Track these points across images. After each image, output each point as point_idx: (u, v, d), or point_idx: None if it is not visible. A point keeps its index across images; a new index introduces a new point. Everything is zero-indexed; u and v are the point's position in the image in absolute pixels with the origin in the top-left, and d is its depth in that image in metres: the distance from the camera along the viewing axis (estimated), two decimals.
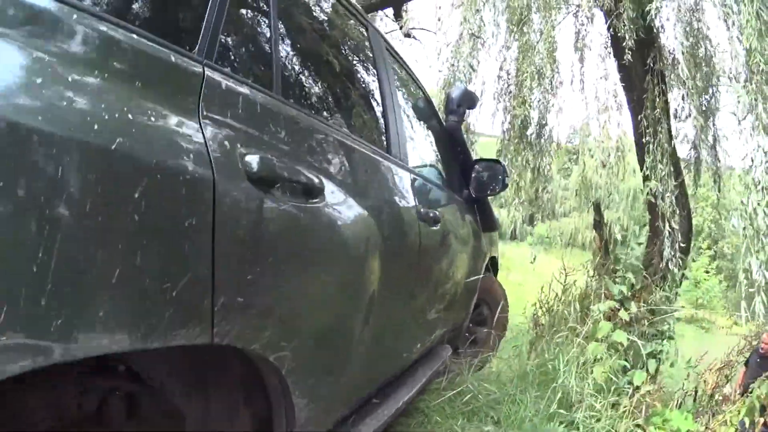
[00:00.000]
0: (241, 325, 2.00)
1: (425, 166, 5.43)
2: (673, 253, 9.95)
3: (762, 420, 6.74)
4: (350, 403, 3.39)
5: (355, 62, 4.01)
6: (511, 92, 12.45)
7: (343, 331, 2.93)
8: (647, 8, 8.92)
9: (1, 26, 1.38)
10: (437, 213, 4.40)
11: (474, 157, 6.57)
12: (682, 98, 10.65)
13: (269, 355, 2.20)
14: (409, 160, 4.29)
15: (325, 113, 3.39)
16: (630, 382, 6.24)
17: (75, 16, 1.57)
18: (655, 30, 9.75)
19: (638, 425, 5.66)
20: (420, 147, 5.46)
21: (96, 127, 1.45)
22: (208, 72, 1.99)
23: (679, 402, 6.93)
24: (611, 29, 9.75)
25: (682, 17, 9.76)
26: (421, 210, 4.04)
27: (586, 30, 11.59)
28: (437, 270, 4.62)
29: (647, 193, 8.84)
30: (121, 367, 2.10)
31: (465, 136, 10.53)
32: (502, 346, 7.34)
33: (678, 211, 10.14)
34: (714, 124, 11.80)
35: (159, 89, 1.78)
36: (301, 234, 2.34)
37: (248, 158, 2.02)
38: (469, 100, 5.88)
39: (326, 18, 3.68)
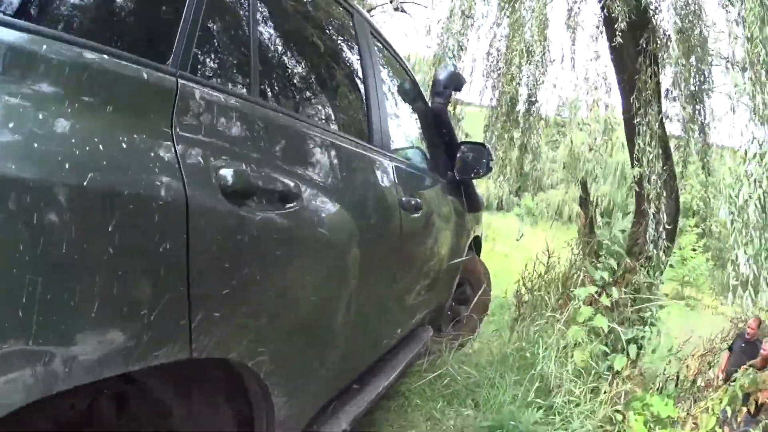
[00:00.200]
0: (219, 337, 2.03)
1: (410, 148, 5.45)
2: (657, 236, 9.97)
3: (745, 409, 6.78)
4: (330, 393, 3.42)
5: (339, 54, 3.98)
6: (500, 69, 12.41)
7: (322, 329, 2.96)
8: None
9: None
10: (419, 200, 4.40)
11: (460, 136, 6.55)
12: (674, 79, 10.60)
13: (247, 362, 2.23)
14: (392, 146, 4.31)
15: (306, 109, 3.39)
16: (610, 368, 6.25)
17: (33, 44, 1.53)
18: (650, 11, 9.71)
19: (618, 411, 5.68)
20: (405, 130, 5.47)
21: (67, 166, 1.45)
22: (182, 83, 1.97)
23: (660, 387, 6.95)
24: (605, 9, 9.68)
25: None
26: (403, 199, 4.04)
27: (578, 8, 11.55)
28: (419, 256, 4.64)
29: (633, 179, 8.83)
30: None
31: (454, 107, 10.53)
32: (483, 327, 7.35)
33: (665, 194, 10.13)
34: (706, 105, 11.77)
35: (131, 112, 1.77)
36: (277, 240, 2.34)
37: (222, 172, 2.03)
38: (455, 82, 5.85)
39: (310, 7, 3.63)
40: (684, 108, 10.85)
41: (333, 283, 2.96)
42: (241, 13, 2.64)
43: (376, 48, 4.31)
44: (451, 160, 5.72)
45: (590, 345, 6.25)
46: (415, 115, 5.65)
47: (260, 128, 2.42)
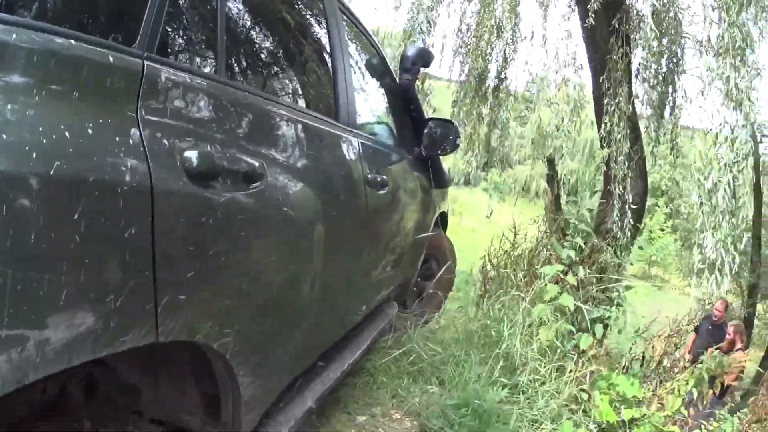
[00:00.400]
0: (184, 320, 2.03)
1: (377, 123, 5.48)
2: (621, 216, 10.03)
3: (711, 391, 6.85)
4: (296, 372, 3.44)
5: (307, 30, 3.95)
6: (470, 45, 12.41)
7: (288, 309, 2.96)
8: None
9: None
10: (385, 177, 4.40)
11: (428, 111, 6.55)
12: (646, 60, 10.64)
13: (213, 344, 2.23)
14: (359, 123, 4.30)
15: (273, 87, 3.39)
16: (576, 347, 6.28)
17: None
18: None
19: (583, 390, 5.71)
20: (372, 106, 5.50)
21: (34, 156, 1.45)
22: (148, 65, 1.94)
23: (625, 367, 7.00)
24: None
25: None
26: (369, 175, 4.05)
27: None
28: (384, 233, 4.65)
29: (603, 159, 8.86)
30: None
31: (422, 81, 10.51)
32: (448, 303, 7.37)
33: (630, 174, 10.19)
34: (677, 87, 11.83)
35: (97, 97, 1.75)
36: (242, 221, 2.34)
37: (187, 154, 2.01)
38: (424, 59, 5.83)
39: None
40: (654, 89, 10.90)
41: (298, 262, 2.96)
42: None
43: (344, 23, 4.28)
44: (419, 136, 5.72)
45: (556, 324, 6.27)
46: (383, 91, 5.63)
47: (226, 108, 2.40)
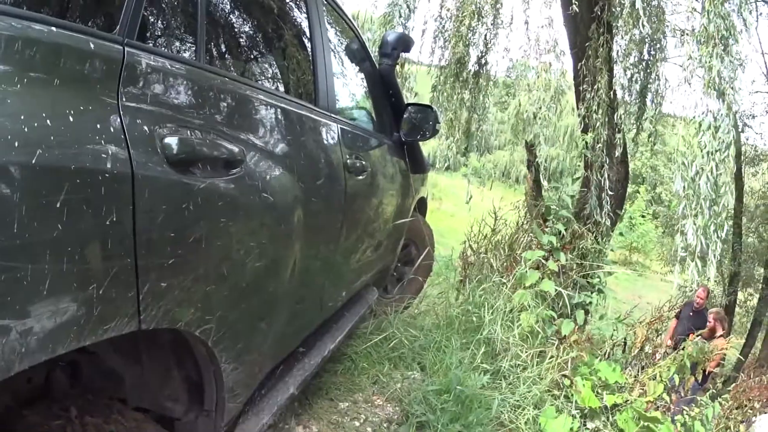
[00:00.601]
0: (166, 308, 2.02)
1: (356, 109, 5.50)
2: (601, 202, 10.05)
3: (692, 377, 6.87)
4: (278, 358, 3.47)
5: (286, 14, 3.93)
6: (450, 30, 12.41)
7: (268, 294, 2.96)
8: None
9: None
10: (364, 162, 4.42)
11: (408, 96, 6.54)
12: (627, 48, 10.67)
13: (195, 330, 2.24)
14: (338, 108, 4.29)
15: (252, 73, 3.40)
16: (557, 332, 6.28)
17: None
18: None
19: (565, 375, 5.72)
20: (352, 91, 5.52)
21: (16, 145, 1.44)
22: (128, 51, 1.94)
23: (607, 353, 7.01)
24: None
25: None
26: (348, 161, 4.06)
27: None
28: (363, 218, 4.65)
29: (585, 145, 8.87)
30: None
31: (402, 66, 10.50)
32: (429, 289, 7.38)
33: (607, 161, 10.22)
34: (659, 75, 11.88)
35: (78, 84, 1.74)
36: (222, 207, 2.33)
37: (167, 140, 2.01)
38: (404, 44, 5.82)
39: None
40: (635, 77, 10.93)
41: (278, 248, 2.96)
42: None
43: (323, 8, 4.26)
44: (398, 121, 5.71)
45: (537, 309, 6.27)
46: (362, 76, 5.62)
47: (206, 94, 2.40)
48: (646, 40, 11.30)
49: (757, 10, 15.74)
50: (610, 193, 10.43)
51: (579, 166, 8.46)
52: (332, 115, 4.05)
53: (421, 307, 6.98)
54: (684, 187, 7.54)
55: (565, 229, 7.10)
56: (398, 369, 5.53)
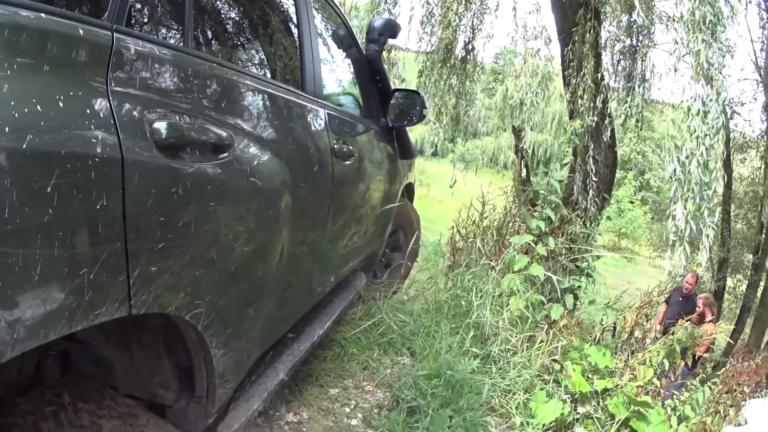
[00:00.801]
0: (156, 292, 2.03)
1: (343, 94, 5.50)
2: (589, 187, 10.06)
3: (682, 362, 6.88)
4: (267, 343, 3.49)
5: (273, 1, 3.98)
6: (437, 16, 12.41)
7: (257, 280, 2.96)
8: None
9: None
10: (351, 147, 4.43)
11: (395, 82, 6.56)
12: (615, 34, 10.68)
13: (185, 315, 2.25)
14: (325, 93, 4.29)
15: (240, 58, 3.44)
16: (546, 317, 6.28)
17: None
18: None
19: (555, 360, 5.72)
20: (338, 76, 5.51)
21: (7, 130, 1.45)
22: (117, 37, 1.94)
23: (597, 338, 7.01)
24: None
25: None
26: (335, 146, 4.08)
27: None
28: (351, 203, 4.65)
29: (571, 132, 8.88)
30: None
31: (389, 52, 10.49)
32: (415, 275, 7.40)
33: (592, 146, 10.23)
34: (647, 61, 11.89)
35: (67, 70, 1.74)
36: (211, 192, 2.34)
37: (156, 125, 2.02)
38: (390, 30, 5.83)
39: None
40: (622, 63, 10.94)
41: (266, 233, 2.96)
42: None
43: None
44: (385, 107, 5.74)
45: (526, 294, 6.27)
46: (349, 62, 5.63)
47: (194, 80, 2.40)
48: (634, 26, 11.32)
49: None
50: (596, 179, 10.45)
51: (567, 152, 8.45)
52: (319, 100, 4.05)
53: (409, 293, 6.99)
54: (675, 170, 7.55)
55: (554, 214, 7.10)
56: (388, 354, 5.53)
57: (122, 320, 1.94)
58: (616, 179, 13.32)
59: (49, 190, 1.52)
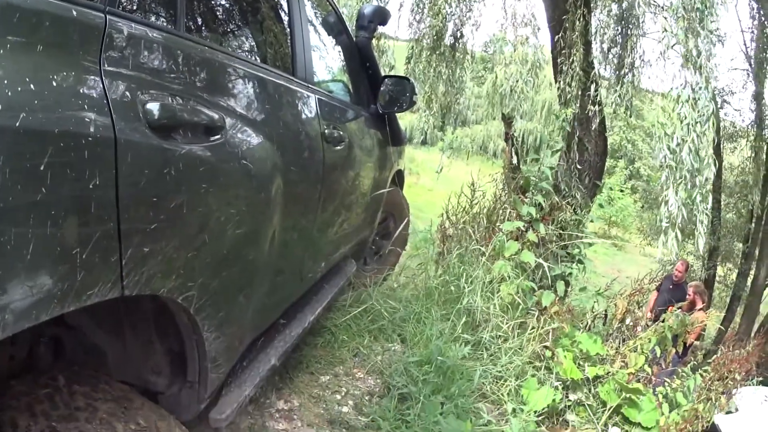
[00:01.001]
0: (149, 273, 2.02)
1: (333, 81, 5.50)
2: (580, 174, 10.08)
3: (674, 350, 6.89)
4: (259, 329, 3.50)
5: None
6: (426, 3, 12.41)
7: (248, 263, 2.96)
8: None
9: None
10: (342, 132, 4.43)
11: (384, 70, 6.56)
12: (605, 22, 10.69)
13: (177, 297, 2.25)
14: (315, 79, 4.29)
15: (232, 43, 3.43)
16: (537, 303, 6.28)
17: None
18: None
19: (546, 347, 5.72)
20: (328, 63, 5.51)
21: (0, 107, 1.42)
22: (110, 19, 1.92)
23: (588, 325, 7.01)
24: None
25: None
26: (326, 131, 4.08)
27: None
28: (342, 188, 4.65)
29: (563, 119, 8.86)
30: None
31: (378, 40, 10.49)
32: (405, 261, 7.41)
33: (578, 133, 10.25)
34: (636, 49, 11.92)
35: (61, 50, 1.73)
36: (203, 173, 2.33)
37: (149, 106, 2.01)
38: (380, 17, 5.85)
39: None
40: (612, 51, 10.95)
41: (258, 216, 2.96)
42: None
43: None
44: (375, 93, 5.75)
45: (517, 280, 6.27)
46: (339, 49, 5.64)
47: (186, 62, 2.40)
48: (624, 14, 11.33)
49: None
50: (587, 166, 10.47)
51: (558, 139, 8.44)
52: (310, 86, 4.05)
53: (400, 279, 7.00)
54: (665, 157, 7.55)
55: (545, 201, 7.09)
56: (378, 341, 5.54)
57: (114, 306, 1.99)
58: (606, 167, 13.35)
59: (42, 168, 1.51)
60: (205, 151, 2.34)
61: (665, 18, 8.21)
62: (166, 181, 2.07)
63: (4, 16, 1.53)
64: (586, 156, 10.82)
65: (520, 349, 5.69)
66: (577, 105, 10.03)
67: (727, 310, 20.89)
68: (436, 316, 5.81)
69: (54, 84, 1.62)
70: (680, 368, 7.30)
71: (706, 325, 9.92)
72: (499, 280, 6.33)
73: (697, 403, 5.73)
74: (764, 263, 19.01)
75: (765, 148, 20.21)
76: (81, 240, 1.68)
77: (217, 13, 3.33)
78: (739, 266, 21.73)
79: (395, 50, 13.01)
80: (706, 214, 7.73)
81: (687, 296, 11.57)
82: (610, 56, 12.15)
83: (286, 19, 3.98)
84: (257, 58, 3.60)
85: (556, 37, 10.52)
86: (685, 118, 7.48)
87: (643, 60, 12.45)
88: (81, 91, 1.73)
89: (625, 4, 10.68)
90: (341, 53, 5.64)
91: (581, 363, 5.60)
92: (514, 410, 5.00)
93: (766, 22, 17.93)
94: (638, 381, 5.70)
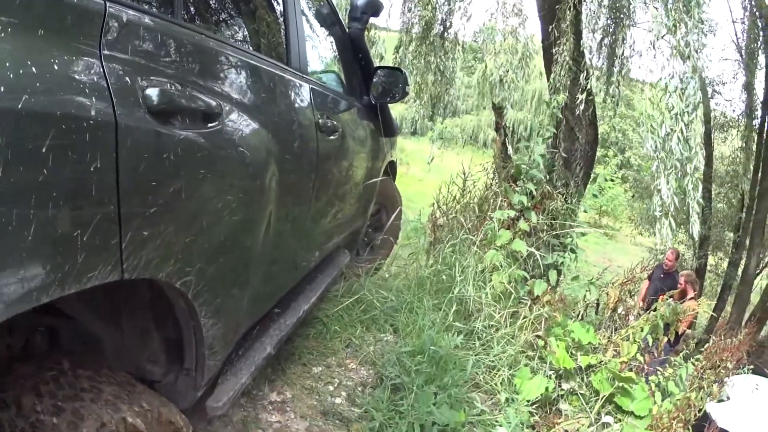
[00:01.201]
0: (148, 257, 2.04)
1: (326, 72, 5.54)
2: (568, 163, 10.09)
3: (665, 338, 6.90)
4: (254, 317, 3.52)
5: None
6: None
7: (244, 250, 2.98)
8: None
9: None
10: (336, 122, 4.44)
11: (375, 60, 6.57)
12: (596, 11, 10.68)
13: (175, 282, 2.26)
14: (309, 70, 4.31)
15: (228, 31, 3.46)
16: (530, 293, 6.28)
17: None
18: None
19: (539, 336, 5.72)
20: (322, 54, 5.57)
21: (2, 89, 1.42)
22: (110, 5, 1.92)
23: (580, 314, 7.02)
24: None
25: None
26: (320, 120, 4.09)
27: None
28: (335, 178, 4.66)
29: (553, 106, 8.85)
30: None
31: (368, 31, 10.48)
32: (396, 251, 7.44)
33: (575, 123, 10.25)
34: (626, 39, 11.93)
35: (62, 34, 1.74)
36: (200, 160, 2.34)
37: (148, 92, 2.02)
38: (373, 8, 5.86)
39: None
40: (602, 40, 10.96)
41: (254, 204, 2.98)
42: None
43: None
44: (367, 84, 5.77)
45: (509, 269, 6.27)
46: (333, 40, 5.65)
47: (185, 50, 2.41)
48: (615, 4, 11.34)
49: None
50: (583, 155, 10.50)
51: (548, 127, 8.42)
52: (304, 76, 4.08)
53: (391, 269, 7.02)
54: (656, 147, 7.56)
55: (536, 189, 7.09)
56: (371, 331, 5.55)
57: (111, 295, 2.03)
58: (597, 157, 13.39)
59: (44, 150, 1.51)
60: (203, 137, 2.35)
61: (656, 8, 8.21)
62: (165, 166, 2.08)
63: (5, 2, 1.53)
64: (577, 145, 10.83)
65: (512, 338, 5.70)
66: (566, 94, 10.02)
67: (718, 299, 20.95)
68: (428, 305, 5.82)
69: (55, 67, 1.63)
70: (672, 357, 7.32)
71: (697, 313, 9.93)
72: (491, 270, 6.33)
73: (690, 391, 5.74)
74: (755, 252, 19.09)
75: (755, 138, 20.28)
76: (82, 222, 1.69)
77: (215, 3, 3.37)
78: (729, 255, 21.83)
79: (386, 41, 13.01)
80: (698, 202, 7.75)
81: (678, 285, 11.62)
82: (600, 46, 12.18)
83: (280, 9, 4.00)
84: (252, 48, 3.61)
85: (550, 27, 10.51)
86: (673, 108, 7.48)
87: (633, 50, 12.49)
88: (82, 75, 1.74)
89: None
90: (334, 44, 5.65)
91: (574, 352, 5.61)
92: (507, 400, 5.01)
93: (757, 13, 17.98)
94: (631, 370, 5.71)
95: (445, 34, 12.67)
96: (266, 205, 3.10)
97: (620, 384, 5.25)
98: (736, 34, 20.29)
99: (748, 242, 19.68)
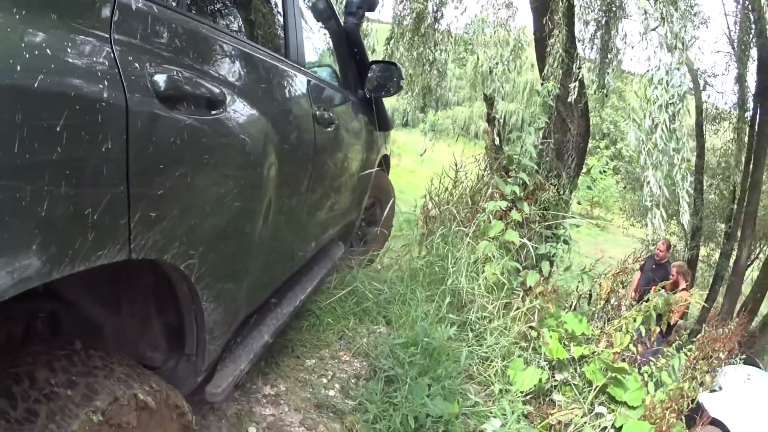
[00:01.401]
0: (155, 238, 2.08)
1: (322, 66, 5.59)
2: (564, 154, 10.09)
3: (658, 329, 6.91)
4: (253, 304, 3.57)
5: None
6: None
7: (245, 236, 3.03)
8: None
9: None
10: (332, 115, 4.47)
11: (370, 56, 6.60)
12: (588, 3, 10.70)
13: (180, 264, 2.31)
14: (306, 63, 4.36)
15: (229, 23, 3.51)
16: (522, 284, 6.28)
17: None
18: None
19: (532, 327, 5.73)
20: (318, 48, 5.60)
21: (19, 68, 1.45)
22: None
23: (573, 305, 7.03)
24: None
25: None
26: (317, 112, 4.13)
27: None
28: (331, 170, 4.69)
29: (544, 95, 8.83)
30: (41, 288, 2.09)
31: (365, 24, 10.49)
32: (388, 243, 7.49)
33: (567, 113, 10.26)
34: (618, 30, 11.96)
35: (75, 18, 1.77)
36: (204, 145, 2.40)
37: (156, 77, 2.07)
38: (368, 3, 5.93)
39: None
40: (593, 32, 10.96)
41: (254, 191, 3.02)
42: None
43: None
44: (362, 78, 5.80)
45: (501, 260, 6.27)
46: (329, 34, 5.68)
47: (190, 39, 2.46)
48: None
49: None
50: (575, 146, 10.51)
51: (540, 118, 8.40)
52: (302, 68, 4.12)
53: (384, 261, 7.03)
54: (642, 140, 7.57)
55: (528, 180, 7.10)
56: (364, 323, 5.56)
57: (112, 280, 2.09)
58: (588, 149, 13.41)
59: (58, 129, 1.54)
60: (208, 124, 2.40)
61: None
62: (172, 150, 2.12)
63: None
64: (569, 137, 10.85)
65: (505, 329, 5.71)
66: (559, 85, 10.02)
67: (710, 290, 21.06)
68: (421, 297, 5.82)
69: (69, 50, 1.66)
70: (665, 347, 7.33)
71: (689, 304, 9.96)
72: (484, 261, 6.34)
73: (682, 381, 5.76)
74: (746, 244, 19.19)
75: (747, 129, 20.36)
76: (93, 201, 1.72)
77: None
78: (721, 246, 21.97)
79: (378, 33, 13.02)
80: (687, 191, 7.76)
81: (670, 276, 11.66)
82: (592, 37, 12.19)
83: (279, 3, 4.06)
84: (253, 40, 3.64)
85: (543, 19, 10.50)
86: (657, 99, 7.49)
87: (625, 42, 12.51)
88: (94, 58, 1.77)
89: None
90: (330, 38, 5.69)
91: (567, 343, 5.62)
92: (501, 391, 5.02)
93: (749, 6, 18.03)
94: (623, 360, 5.73)
95: (437, 26, 12.68)
96: (266, 194, 3.14)
97: (613, 374, 5.27)
98: (728, 27, 20.40)
99: (739, 233, 19.78)
